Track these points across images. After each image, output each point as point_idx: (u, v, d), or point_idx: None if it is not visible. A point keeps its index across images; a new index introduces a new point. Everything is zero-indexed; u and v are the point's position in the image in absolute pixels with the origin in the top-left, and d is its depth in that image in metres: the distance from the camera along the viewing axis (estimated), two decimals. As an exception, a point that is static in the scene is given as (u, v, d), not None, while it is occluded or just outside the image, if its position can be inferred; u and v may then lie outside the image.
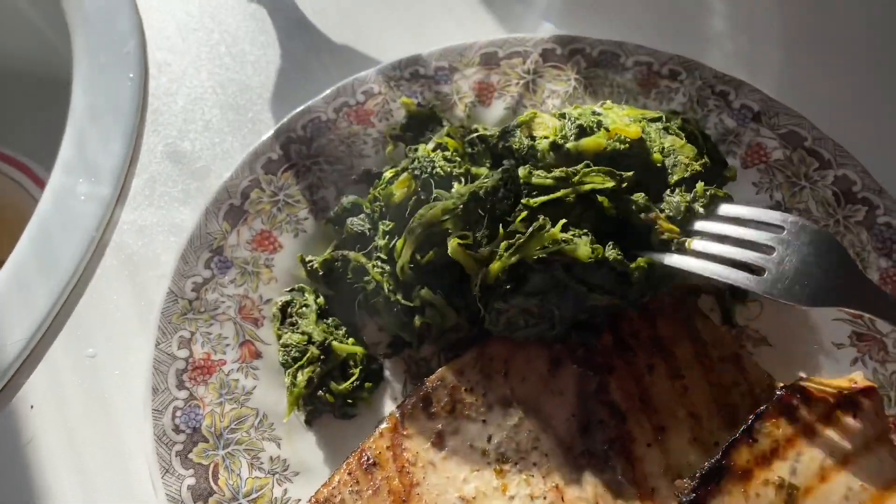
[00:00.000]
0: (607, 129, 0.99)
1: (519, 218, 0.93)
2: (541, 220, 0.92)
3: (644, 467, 0.92)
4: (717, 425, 0.94)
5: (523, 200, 0.95)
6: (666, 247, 0.93)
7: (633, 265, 0.93)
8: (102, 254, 1.18)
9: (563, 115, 1.03)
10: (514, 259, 0.91)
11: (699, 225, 0.94)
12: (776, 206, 1.10)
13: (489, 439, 0.94)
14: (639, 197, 0.95)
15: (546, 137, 1.00)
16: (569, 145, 0.98)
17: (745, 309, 1.06)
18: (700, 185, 0.96)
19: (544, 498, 0.90)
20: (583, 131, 0.99)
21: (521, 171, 0.97)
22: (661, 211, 0.94)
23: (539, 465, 0.93)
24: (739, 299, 1.07)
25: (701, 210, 0.95)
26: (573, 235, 0.93)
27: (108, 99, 1.32)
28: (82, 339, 1.11)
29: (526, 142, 1.00)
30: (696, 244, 0.93)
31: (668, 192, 0.97)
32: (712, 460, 0.86)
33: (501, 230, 0.94)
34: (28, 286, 1.13)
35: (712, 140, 1.08)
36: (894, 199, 1.06)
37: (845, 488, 0.84)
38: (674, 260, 0.93)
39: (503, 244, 0.93)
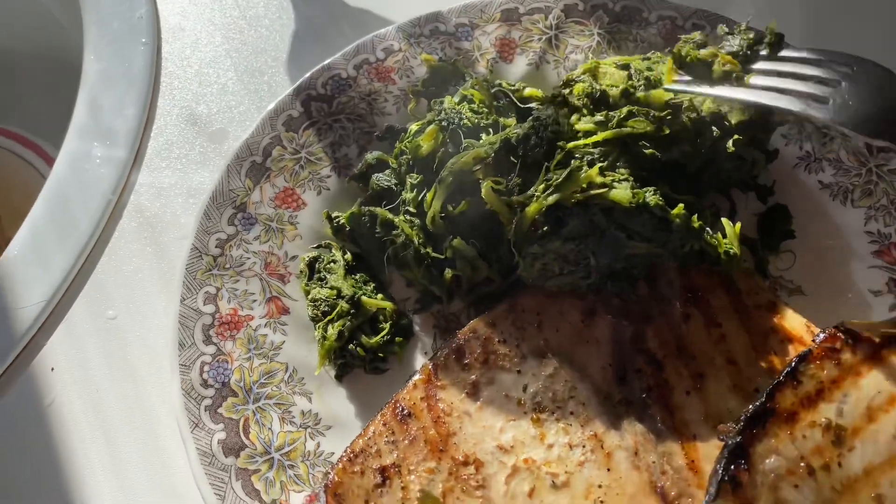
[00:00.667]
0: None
1: (556, 160, 0.91)
2: (579, 159, 0.90)
3: (684, 414, 0.91)
4: (757, 372, 0.92)
5: (560, 143, 0.93)
6: (726, 80, 0.90)
7: (674, 211, 0.91)
8: (120, 216, 1.16)
9: (626, 66, 1.01)
10: (550, 200, 0.89)
11: (760, 64, 0.91)
12: (806, 157, 1.08)
13: (525, 389, 0.92)
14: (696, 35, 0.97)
15: (615, 86, 0.98)
16: (639, 94, 0.97)
17: (778, 259, 1.05)
18: (773, 24, 0.94)
19: (583, 446, 0.89)
20: (650, 83, 0.97)
21: (574, 118, 0.95)
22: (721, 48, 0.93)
23: (576, 413, 0.91)
24: (772, 249, 1.05)
25: (764, 52, 0.92)
26: (612, 179, 0.91)
27: (120, 65, 1.30)
28: (102, 302, 1.09)
29: (597, 87, 0.98)
30: (756, 78, 0.89)
31: (724, 29, 0.97)
32: (757, 403, 0.84)
33: (543, 173, 0.91)
34: (45, 248, 1.11)
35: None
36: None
37: (894, 428, 0.82)
38: (735, 92, 0.88)
39: (541, 186, 0.91)
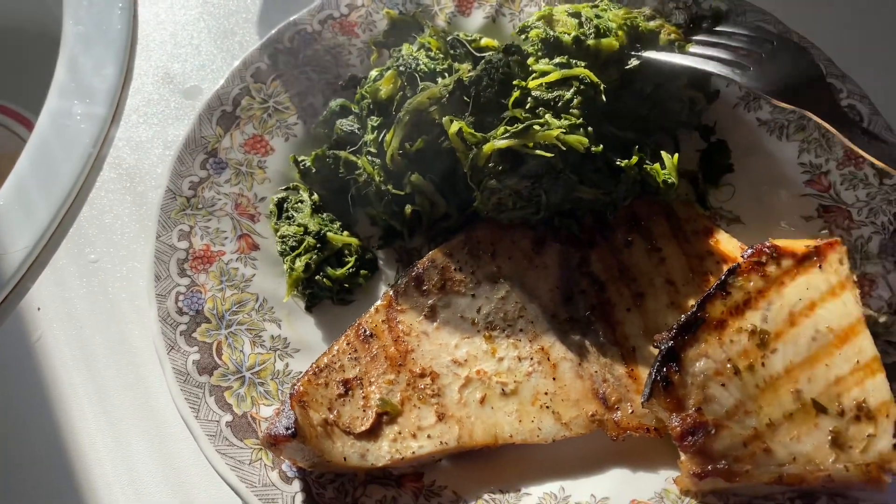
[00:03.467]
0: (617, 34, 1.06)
1: (513, 98, 0.99)
2: (535, 100, 0.98)
3: (624, 329, 0.98)
4: (693, 290, 0.99)
5: (517, 83, 1.00)
6: (669, 48, 1.05)
7: (626, 163, 0.99)
8: (100, 168, 1.22)
9: (577, 14, 1.08)
10: (504, 144, 0.96)
11: (697, 37, 1.07)
12: (745, 97, 1.15)
13: (478, 310, 0.99)
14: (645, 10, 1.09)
15: (567, 33, 1.05)
16: (589, 42, 1.04)
17: (718, 192, 1.12)
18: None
19: (531, 358, 0.96)
20: (599, 32, 1.05)
21: (531, 60, 1.04)
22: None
23: (525, 330, 0.98)
24: (713, 183, 1.12)
25: (705, 25, 1.08)
26: (569, 124, 0.98)
27: (98, 28, 1.36)
28: (85, 246, 1.16)
29: (551, 33, 1.05)
30: (695, 48, 1.05)
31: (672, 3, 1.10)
32: (688, 314, 0.91)
33: (510, 111, 0.99)
34: (30, 198, 1.17)
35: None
36: (856, 83, 1.11)
37: (813, 331, 0.90)
38: (675, 57, 1.03)
39: (500, 129, 0.98)
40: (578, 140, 0.98)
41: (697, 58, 1.04)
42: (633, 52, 1.06)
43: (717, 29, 1.09)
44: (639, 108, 1.09)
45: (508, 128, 0.99)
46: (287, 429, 0.82)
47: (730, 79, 1.00)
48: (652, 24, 1.09)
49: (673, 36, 1.07)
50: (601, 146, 1.00)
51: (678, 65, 1.04)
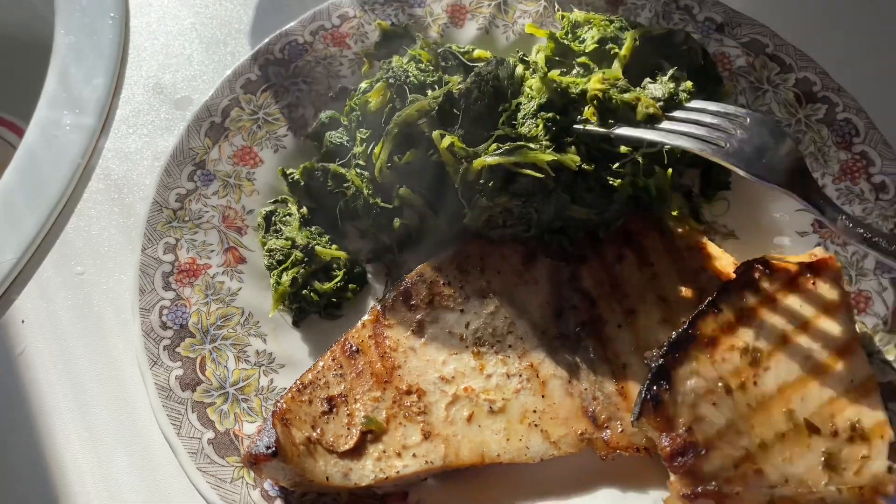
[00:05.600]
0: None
1: (503, 118, 0.98)
2: (532, 128, 0.97)
3: (616, 346, 0.96)
4: (686, 307, 0.97)
5: (516, 100, 0.99)
6: (645, 122, 1.00)
7: (619, 182, 0.98)
8: (88, 179, 1.21)
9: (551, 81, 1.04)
10: (492, 161, 0.95)
11: (674, 112, 1.01)
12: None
13: (467, 326, 0.98)
14: (620, 79, 1.03)
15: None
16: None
17: (712, 206, 1.10)
18: (688, 83, 1.04)
19: (520, 375, 0.94)
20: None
21: (519, 70, 1.03)
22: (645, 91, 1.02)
23: (514, 347, 0.96)
24: (706, 197, 1.10)
25: (685, 98, 1.02)
26: (563, 143, 0.97)
27: (89, 38, 1.35)
28: (71, 259, 1.14)
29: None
30: (669, 124, 0.99)
31: (649, 80, 1.04)
32: (680, 331, 0.90)
33: (500, 128, 0.98)
34: (16, 209, 1.16)
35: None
36: (852, 96, 1.10)
37: (806, 349, 0.88)
38: (651, 134, 0.99)
39: (493, 145, 0.97)
40: (570, 159, 0.96)
41: (671, 134, 0.99)
42: (606, 129, 1.01)
43: (692, 105, 1.03)
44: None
45: (500, 145, 0.97)
46: (268, 448, 0.80)
47: (706, 157, 0.95)
48: (627, 96, 1.02)
49: (651, 109, 1.01)
50: (593, 165, 0.99)
51: (654, 140, 1.00)
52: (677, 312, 0.97)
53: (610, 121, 1.01)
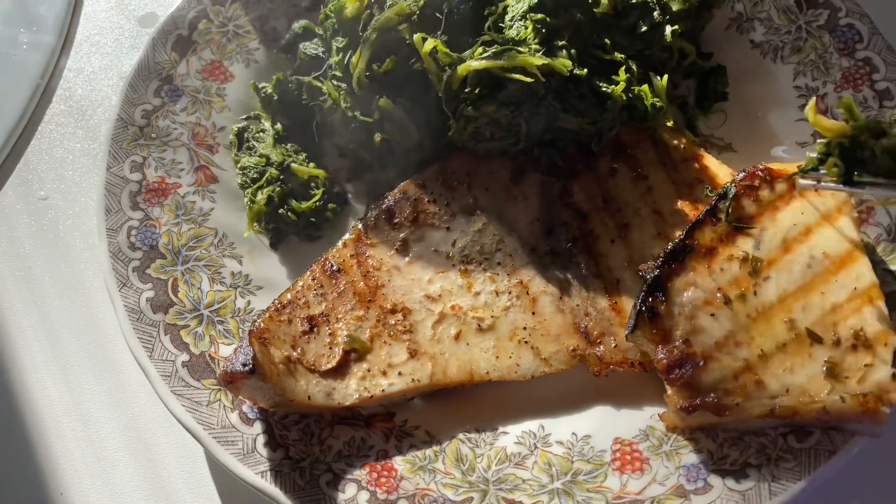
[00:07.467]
0: None
1: (488, 24, 0.92)
2: (521, 30, 0.90)
3: (608, 261, 0.92)
4: (681, 220, 0.93)
5: (503, 2, 0.92)
6: None
7: (613, 88, 0.92)
8: (49, 100, 1.14)
9: None
10: (478, 66, 0.89)
11: None
12: (737, 17, 1.08)
13: (453, 244, 0.93)
14: None
15: None
16: None
17: (709, 119, 1.05)
18: None
19: (509, 293, 0.90)
20: None
21: None
22: None
23: (503, 264, 0.92)
24: (703, 109, 1.05)
25: None
26: (554, 46, 0.91)
27: (46, -48, 1.26)
28: (34, 183, 1.08)
29: None
30: None
31: None
32: (676, 241, 0.86)
33: (487, 33, 0.91)
34: (-28, 132, 1.09)
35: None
36: (856, 1, 1.04)
37: (808, 257, 0.84)
38: None
39: (478, 49, 0.90)
40: (562, 63, 0.90)
41: None
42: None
43: None
44: (627, 45, 1.01)
45: (486, 49, 0.91)
46: (244, 365, 0.76)
47: None
48: None
49: None
50: (585, 70, 0.93)
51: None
52: (673, 226, 0.93)
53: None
